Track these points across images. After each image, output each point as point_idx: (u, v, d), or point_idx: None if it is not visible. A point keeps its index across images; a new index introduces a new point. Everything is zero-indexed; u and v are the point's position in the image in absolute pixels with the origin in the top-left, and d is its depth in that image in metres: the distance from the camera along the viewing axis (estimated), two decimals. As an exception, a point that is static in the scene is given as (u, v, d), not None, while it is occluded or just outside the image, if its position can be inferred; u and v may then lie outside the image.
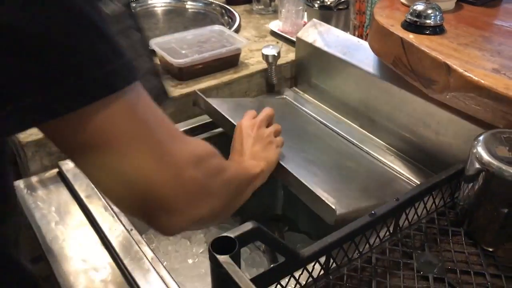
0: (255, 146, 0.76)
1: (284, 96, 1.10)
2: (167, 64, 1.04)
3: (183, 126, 1.00)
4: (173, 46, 1.06)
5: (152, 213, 0.43)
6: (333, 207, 0.66)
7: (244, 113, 0.81)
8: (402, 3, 0.91)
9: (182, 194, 0.44)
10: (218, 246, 0.45)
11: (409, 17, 0.80)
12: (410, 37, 0.78)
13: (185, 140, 0.47)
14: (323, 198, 0.68)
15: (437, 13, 0.80)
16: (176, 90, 1.01)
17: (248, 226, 0.46)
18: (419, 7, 0.80)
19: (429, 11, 0.79)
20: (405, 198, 0.61)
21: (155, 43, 1.05)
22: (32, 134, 0.85)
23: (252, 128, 0.78)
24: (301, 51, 1.09)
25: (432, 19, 0.79)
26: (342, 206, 0.67)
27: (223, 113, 0.87)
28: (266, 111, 0.81)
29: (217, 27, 1.15)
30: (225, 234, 0.45)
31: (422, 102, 0.82)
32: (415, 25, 0.80)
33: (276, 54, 1.05)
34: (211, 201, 0.49)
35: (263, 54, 1.06)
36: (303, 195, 0.74)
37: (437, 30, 0.79)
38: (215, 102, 0.91)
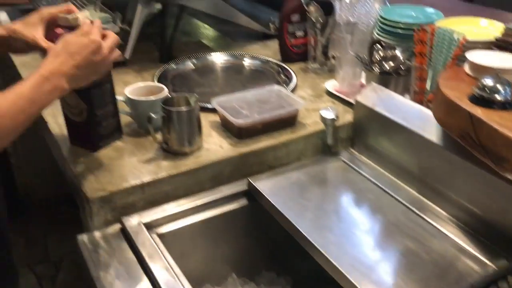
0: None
1: (341, 158, 1.10)
2: (227, 122, 1.06)
3: (240, 185, 1.01)
4: (234, 105, 1.09)
5: None
6: None
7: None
8: (467, 74, 0.91)
9: None
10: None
11: (478, 91, 0.80)
12: (479, 112, 0.77)
13: None
14: None
15: (507, 88, 0.79)
16: (235, 149, 1.03)
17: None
18: (489, 82, 0.79)
19: (499, 86, 0.79)
20: None
21: (217, 102, 1.08)
22: (99, 190, 0.88)
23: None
24: (360, 113, 1.09)
25: (502, 95, 0.78)
26: None
27: (284, 214, 0.90)
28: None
29: (275, 87, 1.17)
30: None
31: (489, 177, 0.80)
32: (484, 100, 0.79)
33: (335, 117, 1.06)
34: None
35: (321, 116, 1.07)
36: None
37: (507, 106, 0.78)
38: (270, 190, 0.95)
